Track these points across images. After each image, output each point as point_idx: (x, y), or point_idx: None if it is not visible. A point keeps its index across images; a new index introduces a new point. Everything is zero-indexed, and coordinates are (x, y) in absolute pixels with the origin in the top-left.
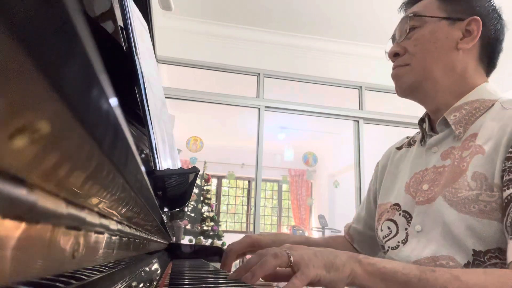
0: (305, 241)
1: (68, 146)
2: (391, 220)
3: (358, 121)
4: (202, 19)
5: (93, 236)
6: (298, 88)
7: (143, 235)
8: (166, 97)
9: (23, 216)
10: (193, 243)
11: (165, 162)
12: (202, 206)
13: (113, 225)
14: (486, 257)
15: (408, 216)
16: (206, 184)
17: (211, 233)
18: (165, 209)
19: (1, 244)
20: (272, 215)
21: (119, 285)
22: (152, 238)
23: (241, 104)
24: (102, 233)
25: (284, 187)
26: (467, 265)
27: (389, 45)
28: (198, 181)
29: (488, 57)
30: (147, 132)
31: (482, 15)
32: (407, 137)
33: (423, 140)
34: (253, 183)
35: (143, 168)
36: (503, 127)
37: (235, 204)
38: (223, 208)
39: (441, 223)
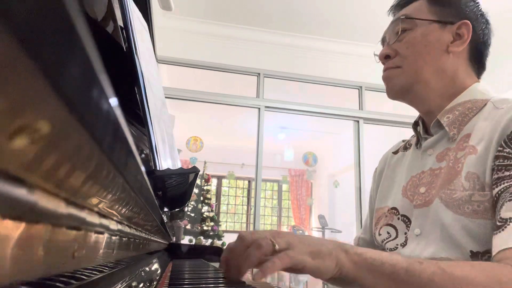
0: None
1: (68, 146)
2: (390, 225)
3: (358, 121)
4: (202, 19)
5: (93, 236)
6: (298, 88)
7: (143, 235)
8: (166, 97)
9: (23, 216)
10: (193, 243)
11: (165, 162)
12: (202, 206)
13: (113, 225)
14: (484, 258)
15: (407, 220)
16: (206, 184)
17: (211, 233)
18: (165, 209)
19: (1, 244)
20: (272, 215)
21: (119, 285)
22: (152, 238)
23: (241, 104)
24: (102, 233)
25: (284, 187)
26: None
27: (379, 48)
28: (198, 181)
29: (478, 60)
30: (147, 132)
31: (472, 19)
32: (403, 141)
33: (418, 143)
34: (253, 183)
35: (143, 168)
36: (494, 127)
37: (235, 204)
38: (223, 208)
39: (439, 225)
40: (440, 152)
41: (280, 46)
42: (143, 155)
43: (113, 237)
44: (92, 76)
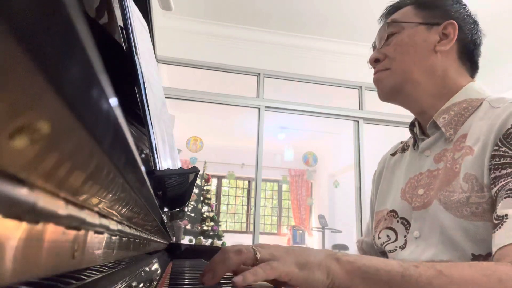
0: None
1: (68, 146)
2: (390, 228)
3: (358, 121)
4: (202, 19)
5: (93, 236)
6: (298, 88)
7: (143, 235)
8: (166, 97)
9: (23, 216)
10: (193, 243)
11: (165, 162)
12: (202, 206)
13: (113, 225)
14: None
15: (406, 223)
16: (206, 184)
17: (211, 233)
18: (165, 209)
19: (1, 244)
20: (272, 215)
21: (119, 285)
22: (152, 238)
23: (241, 104)
24: (102, 233)
25: (284, 187)
26: None
27: (370, 54)
28: (198, 181)
29: (468, 59)
30: (147, 132)
31: (458, 19)
32: (401, 142)
33: (415, 144)
34: (253, 183)
35: (143, 168)
36: (491, 126)
37: (235, 204)
38: (223, 208)
39: (438, 228)
40: (437, 153)
41: (280, 46)
42: (143, 155)
43: (113, 237)
44: (92, 76)
